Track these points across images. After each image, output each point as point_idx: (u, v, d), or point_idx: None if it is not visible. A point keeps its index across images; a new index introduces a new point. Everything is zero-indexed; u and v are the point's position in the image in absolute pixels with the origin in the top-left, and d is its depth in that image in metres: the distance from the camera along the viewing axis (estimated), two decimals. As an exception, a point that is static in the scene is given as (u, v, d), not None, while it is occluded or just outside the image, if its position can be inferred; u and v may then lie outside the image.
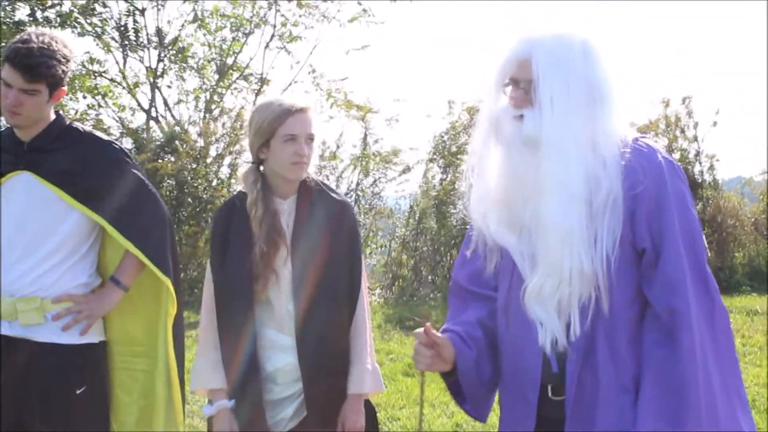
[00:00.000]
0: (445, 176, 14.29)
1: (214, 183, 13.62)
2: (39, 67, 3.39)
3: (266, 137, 3.35)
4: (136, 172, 3.72)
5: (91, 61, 15.66)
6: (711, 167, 14.85)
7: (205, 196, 13.17)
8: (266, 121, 3.35)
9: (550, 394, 2.68)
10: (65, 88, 3.59)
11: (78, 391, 3.54)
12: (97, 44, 15.71)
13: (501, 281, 2.82)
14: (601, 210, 2.53)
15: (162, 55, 16.24)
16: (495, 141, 2.69)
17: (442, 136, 14.47)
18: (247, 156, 3.50)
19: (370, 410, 3.55)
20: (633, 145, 2.60)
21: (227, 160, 14.09)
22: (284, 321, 3.38)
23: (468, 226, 2.96)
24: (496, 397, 2.98)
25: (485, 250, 2.82)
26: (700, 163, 14.74)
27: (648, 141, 2.66)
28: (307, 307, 3.34)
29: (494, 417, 3.10)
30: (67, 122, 3.66)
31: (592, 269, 2.53)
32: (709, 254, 11.84)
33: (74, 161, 3.57)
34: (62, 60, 3.47)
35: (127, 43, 15.82)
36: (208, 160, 13.78)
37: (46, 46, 3.41)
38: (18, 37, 3.48)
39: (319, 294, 3.35)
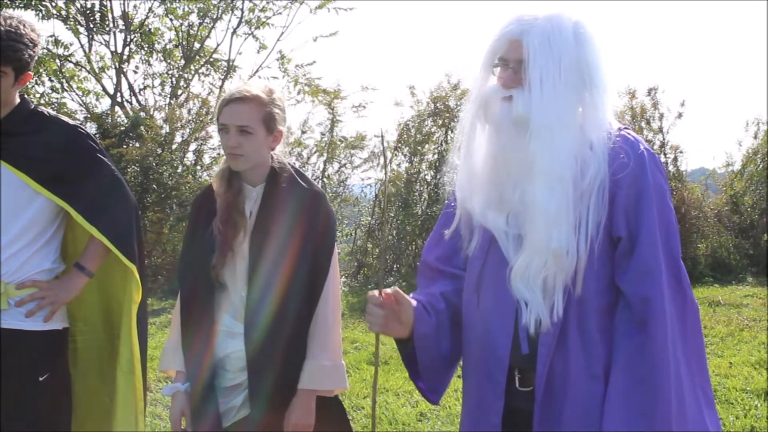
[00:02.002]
0: (410, 165, 14.28)
1: (180, 169, 13.55)
2: (6, 51, 3.34)
3: (218, 126, 3.37)
4: (102, 157, 3.69)
5: (56, 43, 15.50)
6: (675, 159, 14.98)
7: (170, 183, 13.10)
8: (215, 110, 3.37)
9: (517, 384, 2.67)
10: (31, 72, 3.55)
11: (41, 378, 3.51)
12: (67, 27, 15.55)
13: (474, 260, 2.80)
14: (587, 192, 2.53)
15: (128, 39, 16.11)
16: (483, 121, 2.68)
17: (408, 124, 14.47)
18: (212, 142, 3.49)
19: (337, 407, 3.51)
20: (618, 133, 2.61)
21: (193, 146, 14.06)
22: (237, 307, 3.35)
23: (444, 208, 2.95)
24: (460, 386, 2.96)
25: (466, 230, 2.81)
26: (665, 154, 14.87)
27: (632, 132, 2.67)
28: (258, 295, 3.30)
29: (458, 406, 3.10)
30: (32, 106, 3.61)
31: (576, 251, 2.53)
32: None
33: (39, 146, 3.53)
34: (29, 44, 3.43)
35: (92, 26, 15.66)
36: (174, 147, 13.71)
37: (13, 30, 3.37)
38: (-16, 20, 3.43)
39: (274, 283, 3.29)
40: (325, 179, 14.24)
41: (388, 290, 2.78)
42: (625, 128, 2.67)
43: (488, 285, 2.72)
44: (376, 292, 2.78)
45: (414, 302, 2.82)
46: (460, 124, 2.80)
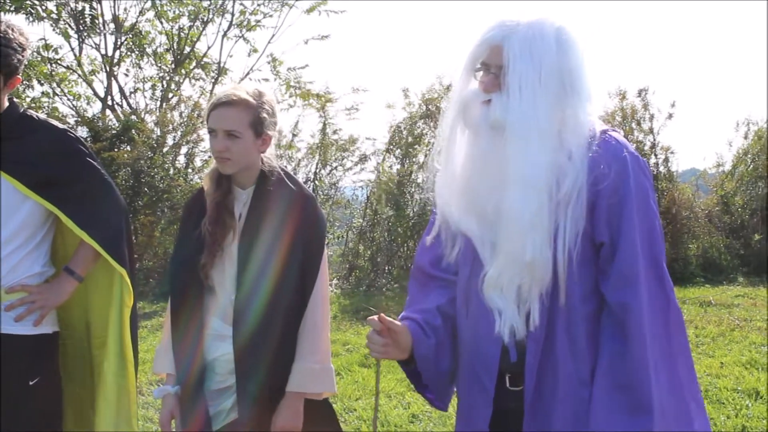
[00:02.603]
0: (402, 166, 14.27)
1: (171, 172, 13.54)
2: None
3: (207, 130, 3.37)
4: (91, 161, 3.67)
5: (47, 47, 15.48)
6: (666, 159, 15.02)
7: (161, 186, 13.10)
8: (204, 114, 3.36)
9: (507, 384, 2.67)
10: (20, 76, 3.54)
11: (31, 382, 3.49)
12: (55, 30, 15.54)
13: (462, 267, 2.80)
14: (565, 202, 2.51)
15: (118, 42, 16.10)
16: (463, 125, 2.67)
17: (399, 126, 14.46)
18: (203, 145, 3.49)
19: (327, 410, 3.50)
20: (601, 137, 2.59)
21: (184, 149, 14.04)
22: (227, 310, 3.35)
23: (432, 211, 2.94)
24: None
25: (448, 237, 2.81)
26: (656, 155, 14.91)
27: (616, 135, 2.64)
28: (247, 298, 3.29)
29: (451, 409, 3.11)
30: (21, 110, 3.60)
31: (552, 261, 2.52)
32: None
33: (29, 150, 3.51)
34: (18, 48, 3.42)
35: (83, 29, 15.64)
36: (165, 150, 13.70)
37: (2, 34, 3.36)
38: (-28, 24, 3.42)
39: (263, 285, 3.28)
40: (316, 182, 14.23)
41: (386, 319, 2.75)
42: (609, 131, 2.65)
43: (474, 293, 2.71)
44: (376, 318, 2.76)
45: (409, 324, 2.81)
46: (440, 128, 2.80)
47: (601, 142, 2.57)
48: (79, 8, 15.61)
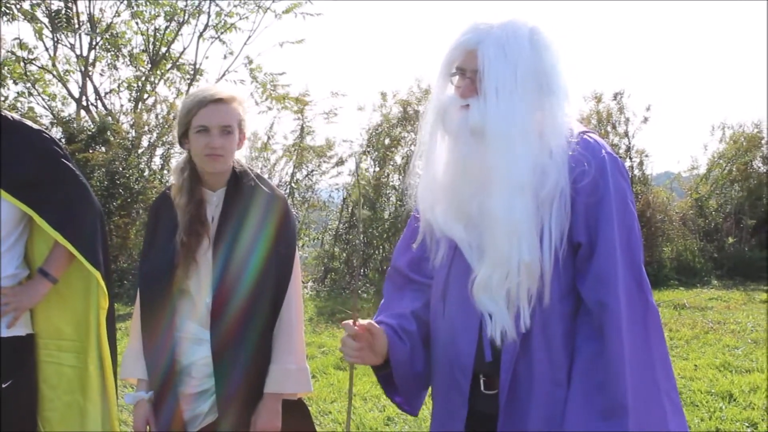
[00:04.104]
0: (379, 169, 14.26)
1: (146, 174, 13.48)
2: None
3: (184, 128, 3.34)
4: (66, 162, 3.66)
5: (22, 46, 15.39)
6: (641, 163, 15.12)
7: (136, 187, 13.03)
8: (183, 112, 3.33)
9: (482, 387, 2.67)
10: None
11: (4, 385, 3.47)
12: (33, 27, 15.44)
13: (440, 268, 2.79)
14: (548, 202, 2.50)
15: (94, 42, 16.02)
16: (442, 131, 2.66)
17: (377, 129, 14.47)
18: (179, 147, 3.46)
19: (302, 410, 3.51)
20: (579, 137, 2.59)
21: (159, 150, 13.99)
22: (203, 314, 3.33)
23: (412, 215, 2.94)
24: (429, 391, 2.97)
25: (432, 241, 2.79)
26: (631, 158, 15.01)
27: (594, 136, 2.65)
28: (223, 301, 3.28)
29: (426, 411, 3.10)
30: None
31: (538, 261, 2.51)
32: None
33: (2, 151, 3.49)
34: None
35: (59, 27, 15.54)
36: (140, 151, 13.64)
37: None
38: (-55, 24, 3.41)
39: (239, 289, 3.28)
40: (293, 184, 14.19)
41: (363, 322, 2.74)
42: (588, 132, 2.65)
43: (453, 293, 2.71)
44: (350, 322, 2.74)
45: (385, 329, 2.80)
46: (420, 133, 2.78)
47: (581, 141, 2.57)
48: (55, 7, 15.51)
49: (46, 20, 15.56)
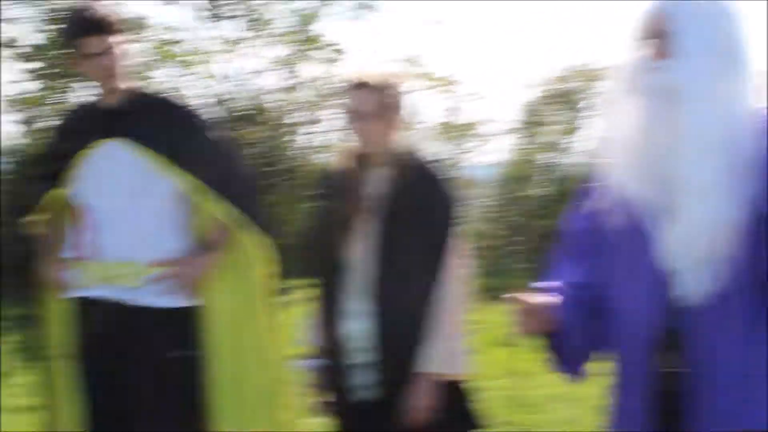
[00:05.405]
0: (532, 146, 14.22)
1: (293, 152, 13.70)
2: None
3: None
4: (222, 137, 3.77)
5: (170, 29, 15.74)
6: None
7: (289, 165, 13.23)
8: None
9: (667, 362, 2.53)
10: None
11: (173, 355, 3.58)
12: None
13: (615, 235, 2.70)
14: (741, 165, 2.43)
15: (245, 25, 16.28)
16: (632, 93, 2.61)
17: (533, 106, 14.44)
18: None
19: (458, 389, 3.48)
20: (764, 111, 2.54)
21: (306, 129, 14.16)
22: (364, 287, 3.36)
23: (594, 177, 2.85)
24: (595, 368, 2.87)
25: (612, 205, 2.70)
26: None
27: None
28: (385, 276, 3.33)
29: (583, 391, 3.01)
30: (145, 90, 3.79)
31: (732, 224, 2.42)
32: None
33: (161, 127, 3.62)
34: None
35: (215, 14, 15.87)
36: (291, 129, 13.87)
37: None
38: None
39: (400, 264, 3.33)
40: (444, 162, 14.21)
41: (532, 294, 2.71)
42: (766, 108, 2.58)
43: (630, 262, 2.63)
44: (516, 296, 2.70)
45: (555, 296, 2.74)
46: (608, 97, 2.77)
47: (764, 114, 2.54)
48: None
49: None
